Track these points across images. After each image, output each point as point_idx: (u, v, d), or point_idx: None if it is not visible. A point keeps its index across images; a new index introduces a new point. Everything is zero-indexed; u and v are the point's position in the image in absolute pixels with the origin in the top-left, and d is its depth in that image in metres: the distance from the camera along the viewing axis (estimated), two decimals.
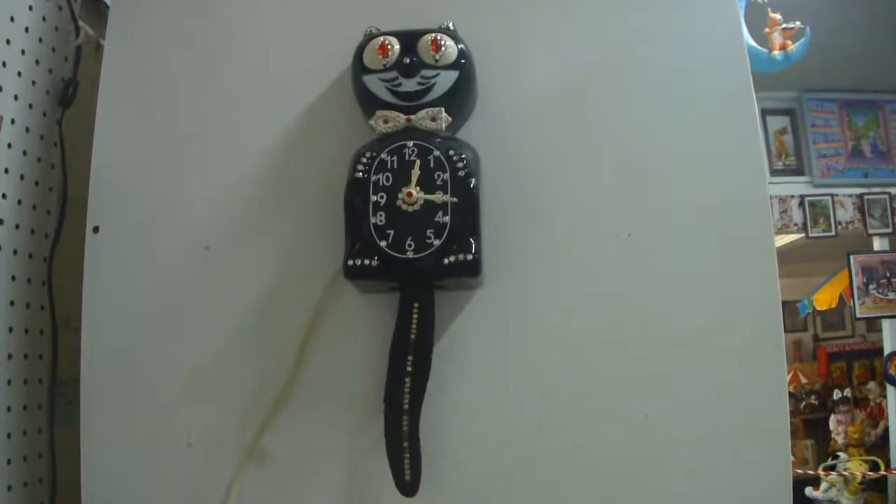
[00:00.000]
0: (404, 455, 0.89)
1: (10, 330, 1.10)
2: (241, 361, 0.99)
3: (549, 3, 1.04)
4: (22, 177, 1.13)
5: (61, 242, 1.18)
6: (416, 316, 0.91)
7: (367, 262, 0.90)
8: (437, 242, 0.89)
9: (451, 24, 0.99)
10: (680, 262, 0.97)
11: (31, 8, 1.17)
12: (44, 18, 1.20)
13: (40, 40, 1.19)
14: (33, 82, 1.16)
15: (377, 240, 0.90)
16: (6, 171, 1.10)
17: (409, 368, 0.90)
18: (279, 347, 0.98)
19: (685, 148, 1.00)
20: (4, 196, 1.09)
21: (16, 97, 1.12)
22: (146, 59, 1.08)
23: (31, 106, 1.16)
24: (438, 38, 0.96)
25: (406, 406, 0.90)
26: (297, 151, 1.03)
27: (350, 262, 0.91)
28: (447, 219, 0.90)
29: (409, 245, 0.89)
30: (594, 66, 1.03)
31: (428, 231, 0.89)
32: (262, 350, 0.99)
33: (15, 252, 1.11)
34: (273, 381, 0.97)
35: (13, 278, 1.11)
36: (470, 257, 0.90)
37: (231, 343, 0.99)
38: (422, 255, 0.89)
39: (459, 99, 0.97)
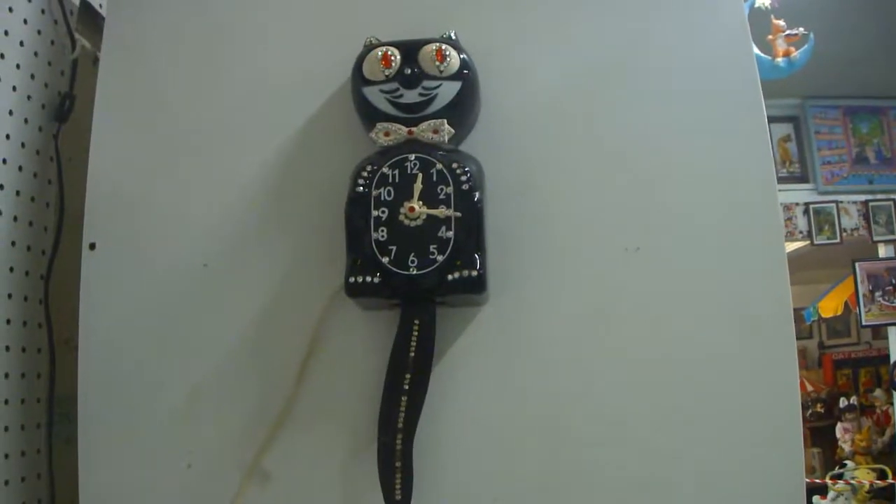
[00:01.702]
0: (396, 474, 0.87)
1: (7, 349, 1.08)
2: (241, 380, 0.97)
3: (553, 12, 1.03)
4: (18, 193, 1.11)
5: (59, 259, 1.16)
6: (416, 333, 0.89)
7: (368, 278, 0.88)
8: (440, 258, 0.87)
9: (453, 34, 0.97)
10: (689, 272, 0.95)
11: (25, 21, 1.15)
12: (39, 32, 1.18)
13: (36, 54, 1.17)
14: (28, 97, 1.15)
15: (379, 256, 0.88)
16: (1, 187, 1.08)
17: (405, 387, 0.88)
18: (279, 366, 0.96)
19: (693, 156, 0.98)
20: (0, 213, 1.07)
21: (10, 112, 1.11)
22: (142, 72, 1.07)
23: (26, 121, 1.14)
24: (443, 48, 0.94)
25: (401, 425, 0.87)
26: (297, 166, 1.01)
27: (351, 279, 0.89)
28: (451, 234, 0.88)
29: (412, 261, 0.88)
30: (600, 75, 1.01)
31: (431, 247, 0.88)
32: (262, 368, 0.97)
33: (11, 270, 1.09)
34: (273, 400, 0.95)
35: (10, 296, 1.09)
36: (474, 273, 0.88)
37: (231, 361, 0.97)
38: (425, 271, 0.87)
39: (462, 110, 0.95)
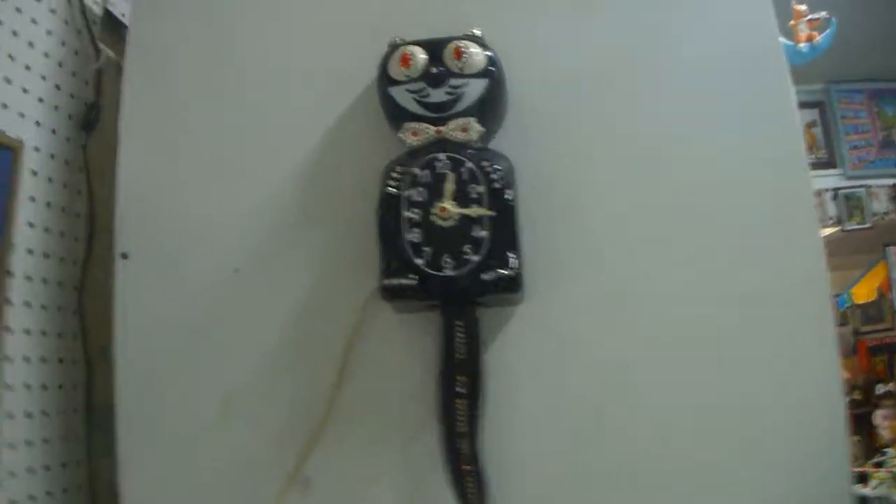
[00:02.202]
0: (467, 479, 0.86)
1: (44, 360, 1.08)
2: (279, 386, 0.96)
3: (578, 5, 1.02)
4: (48, 204, 1.12)
5: (91, 269, 1.16)
6: (460, 335, 0.88)
7: (404, 281, 0.87)
8: (475, 258, 0.87)
9: (477, 32, 0.96)
10: (725, 262, 0.94)
11: (49, 33, 1.15)
12: (63, 43, 1.18)
13: (60, 65, 1.17)
14: (55, 107, 1.15)
15: (413, 258, 0.87)
16: (32, 198, 1.08)
17: (459, 390, 0.87)
18: (316, 371, 0.95)
19: (726, 147, 0.97)
20: (31, 224, 1.07)
21: (38, 123, 1.11)
22: (167, 79, 1.07)
23: (54, 131, 1.14)
24: (462, 46, 0.93)
25: (463, 429, 0.87)
26: (326, 168, 1.00)
27: (387, 283, 0.88)
28: (484, 233, 0.87)
29: (447, 262, 0.87)
30: (628, 68, 1.00)
31: (465, 247, 0.87)
32: (299, 374, 0.96)
33: (44, 281, 1.09)
34: (313, 405, 0.94)
35: (44, 307, 1.09)
36: (510, 272, 0.87)
37: (267, 367, 0.97)
38: (460, 271, 0.87)
39: (490, 108, 0.94)
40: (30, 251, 1.07)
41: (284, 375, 0.96)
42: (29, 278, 1.07)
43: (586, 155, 0.98)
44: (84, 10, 1.24)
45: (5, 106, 1.05)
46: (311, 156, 1.01)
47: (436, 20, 0.99)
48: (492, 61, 0.94)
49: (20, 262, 1.05)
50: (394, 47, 0.96)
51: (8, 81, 1.06)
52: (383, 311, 0.93)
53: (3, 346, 1.00)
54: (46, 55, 1.15)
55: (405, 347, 0.94)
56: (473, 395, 0.88)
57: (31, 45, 1.12)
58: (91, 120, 1.20)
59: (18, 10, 1.10)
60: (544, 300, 0.94)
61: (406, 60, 0.94)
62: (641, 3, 1.02)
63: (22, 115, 1.08)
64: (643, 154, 0.98)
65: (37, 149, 1.10)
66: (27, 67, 1.10)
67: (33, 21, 1.12)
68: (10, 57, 1.07)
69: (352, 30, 1.04)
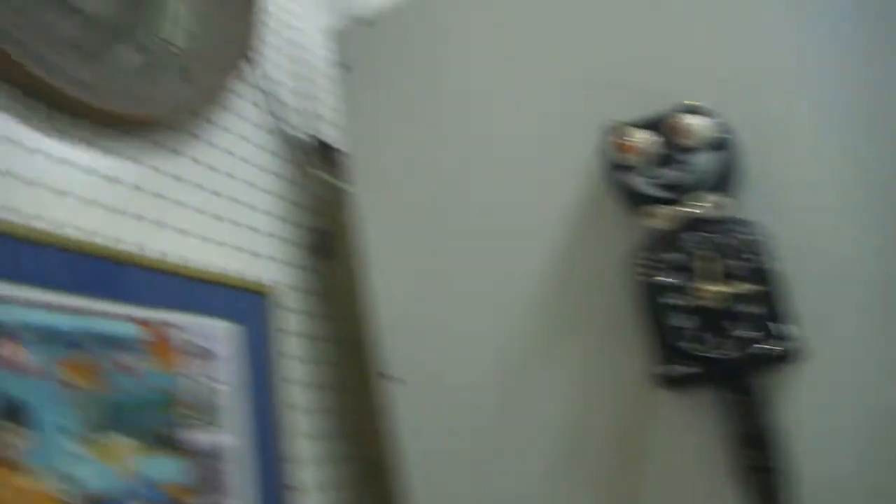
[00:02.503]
0: None
1: (317, 486, 1.12)
2: (566, 487, 0.95)
3: (800, 51, 0.96)
4: (303, 335, 1.17)
5: (346, 392, 1.21)
6: (747, 410, 0.85)
7: (682, 369, 0.86)
8: (750, 335, 0.84)
9: (699, 102, 0.93)
10: None
11: (277, 175, 1.23)
12: (289, 181, 1.25)
13: (293, 203, 1.24)
14: (291, 242, 1.22)
15: (684, 343, 0.86)
16: (287, 332, 1.13)
17: (762, 464, 0.84)
18: (599, 466, 0.94)
19: None
20: (290, 357, 1.13)
21: (279, 260, 1.18)
22: (399, 201, 1.12)
23: (298, 267, 1.21)
24: (681, 119, 0.92)
25: (778, 500, 0.83)
26: (572, 262, 1.00)
27: (666, 373, 0.87)
28: (753, 308, 0.84)
29: (719, 343, 0.85)
30: (853, 108, 0.93)
31: (737, 325, 0.85)
32: (583, 471, 0.95)
33: (308, 410, 1.14)
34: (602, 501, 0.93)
35: (313, 436, 1.13)
36: (786, 346, 0.84)
37: (551, 468, 0.96)
38: (736, 351, 0.84)
39: (729, 177, 0.91)
40: (293, 382, 1.12)
41: (569, 475, 0.95)
42: (294, 408, 1.11)
43: (830, 203, 0.91)
44: (302, 147, 1.31)
45: (255, 254, 1.12)
46: (555, 252, 1.01)
47: (657, 94, 0.96)
48: (721, 129, 0.91)
49: (287, 394, 1.10)
50: (613, 132, 0.95)
51: (255, 230, 1.14)
52: (657, 394, 0.91)
53: (289, 477, 1.04)
54: (281, 198, 1.22)
55: (685, 428, 0.91)
56: (771, 466, 0.84)
57: (266, 192, 1.20)
58: (326, 247, 1.26)
59: (247, 161, 1.18)
60: (819, 363, 0.86)
61: (630, 145, 0.93)
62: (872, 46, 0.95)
63: (272, 259, 1.16)
64: (877, 191, 0.90)
65: (288, 286, 1.16)
66: (263, 210, 1.17)
67: (262, 169, 1.21)
68: (251, 207, 1.15)
69: (568, 118, 1.04)
